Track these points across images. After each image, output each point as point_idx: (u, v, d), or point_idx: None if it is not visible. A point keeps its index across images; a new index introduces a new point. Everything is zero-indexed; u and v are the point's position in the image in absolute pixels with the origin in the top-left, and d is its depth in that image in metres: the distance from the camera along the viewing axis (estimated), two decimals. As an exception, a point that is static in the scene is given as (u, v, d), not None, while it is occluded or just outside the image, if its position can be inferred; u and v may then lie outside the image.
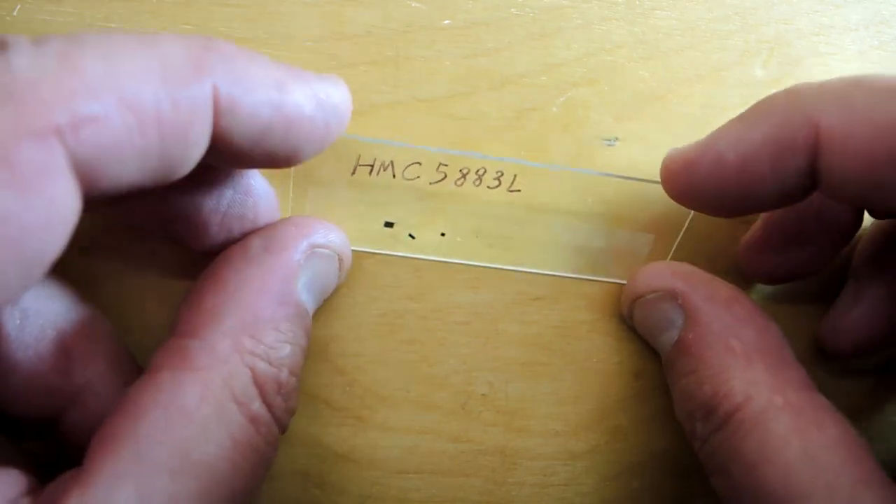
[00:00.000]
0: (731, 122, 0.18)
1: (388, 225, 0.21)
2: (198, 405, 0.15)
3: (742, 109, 0.22)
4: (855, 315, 0.21)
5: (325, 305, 0.21)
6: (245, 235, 0.18)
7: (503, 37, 0.21)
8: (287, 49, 0.20)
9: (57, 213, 0.12)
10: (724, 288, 0.20)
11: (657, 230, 0.22)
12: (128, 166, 0.13)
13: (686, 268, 0.21)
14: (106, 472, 0.14)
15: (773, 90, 0.22)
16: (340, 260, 0.19)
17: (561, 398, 0.22)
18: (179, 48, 0.13)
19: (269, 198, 0.18)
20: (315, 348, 0.21)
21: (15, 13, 0.19)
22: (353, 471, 0.22)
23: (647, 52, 0.22)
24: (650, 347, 0.22)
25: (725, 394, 0.18)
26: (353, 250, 0.21)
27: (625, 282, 0.22)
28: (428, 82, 0.21)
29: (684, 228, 0.22)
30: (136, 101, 0.12)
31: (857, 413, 0.24)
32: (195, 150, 0.14)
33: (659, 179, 0.20)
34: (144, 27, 0.20)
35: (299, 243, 0.18)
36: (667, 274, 0.20)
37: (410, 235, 0.21)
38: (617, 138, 0.22)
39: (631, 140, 0.22)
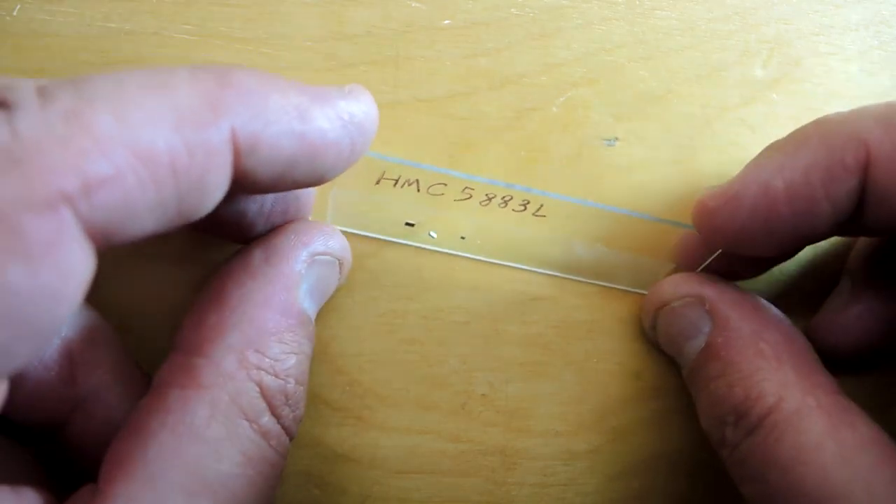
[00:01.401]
0: (767, 154, 0.18)
1: (409, 225, 0.21)
2: (207, 424, 0.15)
3: (742, 109, 0.22)
4: (853, 313, 0.21)
5: (325, 305, 0.21)
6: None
7: (503, 37, 0.21)
8: (287, 49, 0.20)
9: (69, 280, 0.12)
10: (748, 294, 0.20)
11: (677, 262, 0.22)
12: (144, 220, 0.12)
13: (710, 276, 0.21)
14: (120, 496, 0.14)
15: (773, 90, 0.23)
16: (341, 264, 0.19)
17: (561, 398, 0.22)
18: (194, 88, 0.13)
19: (309, 189, 0.18)
20: (315, 348, 0.21)
21: (15, 13, 0.19)
22: (353, 471, 0.22)
23: (647, 52, 0.22)
24: (650, 348, 0.22)
25: (757, 396, 0.18)
26: (374, 238, 0.21)
27: (639, 290, 0.22)
28: (428, 82, 0.21)
29: (707, 262, 0.21)
30: (150, 154, 0.12)
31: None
32: (215, 193, 0.13)
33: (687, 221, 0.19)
34: (144, 27, 0.20)
35: (300, 253, 0.17)
36: (693, 281, 0.20)
37: (431, 234, 0.21)
38: (617, 138, 0.22)
39: (631, 140, 0.22)
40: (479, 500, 0.22)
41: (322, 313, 0.21)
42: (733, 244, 0.19)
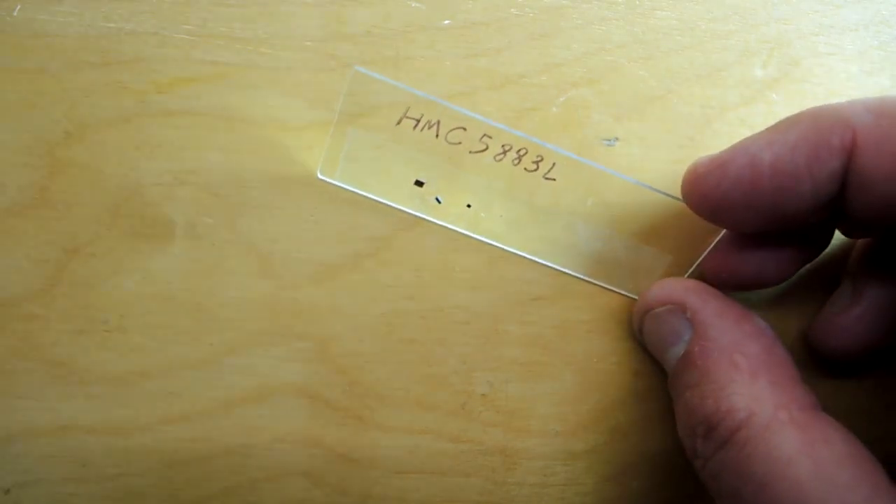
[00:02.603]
0: (760, 132, 0.18)
1: (418, 184, 0.21)
2: None
3: (742, 109, 0.22)
4: (853, 315, 0.21)
5: (325, 305, 0.21)
6: None
7: (503, 37, 0.21)
8: (287, 49, 0.20)
9: None
10: (733, 305, 0.20)
11: (677, 253, 0.22)
12: None
13: (698, 284, 0.21)
14: None
15: (773, 90, 0.23)
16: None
17: (560, 398, 0.22)
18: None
19: None
20: (315, 348, 0.21)
21: (15, 13, 0.19)
22: (353, 471, 0.22)
23: (647, 52, 0.22)
24: (650, 347, 0.22)
25: (728, 409, 0.18)
26: (377, 201, 0.21)
27: (634, 295, 0.22)
28: (428, 82, 0.21)
29: (702, 257, 0.21)
30: None
31: (857, 413, 0.24)
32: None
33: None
34: (144, 27, 0.20)
35: None
36: (678, 288, 0.20)
37: (437, 199, 0.21)
38: (617, 138, 0.22)
39: (631, 140, 0.22)
40: (479, 500, 0.22)
41: (322, 313, 0.21)
42: (716, 213, 0.19)
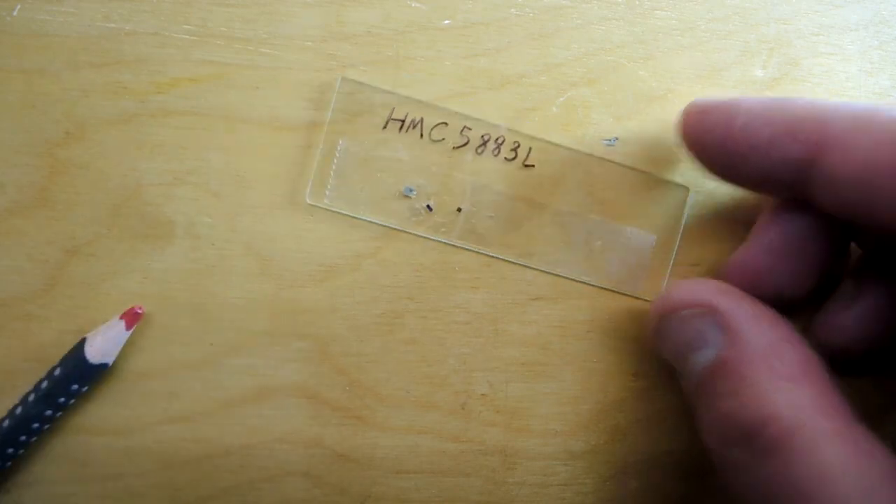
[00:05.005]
0: (766, 96, 0.19)
1: (408, 194, 0.21)
2: None
3: (742, 109, 0.22)
4: (854, 314, 0.21)
5: (325, 305, 0.21)
6: None
7: (503, 37, 0.21)
8: (287, 49, 0.20)
9: None
10: (765, 308, 0.19)
11: (658, 231, 0.22)
12: None
13: (727, 286, 0.20)
14: None
15: (773, 90, 0.23)
16: None
17: (561, 398, 0.22)
18: None
19: None
20: (315, 348, 0.21)
21: (15, 13, 0.19)
22: (353, 471, 0.22)
23: (647, 52, 0.22)
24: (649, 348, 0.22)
25: (770, 416, 0.17)
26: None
27: (634, 295, 0.22)
28: (428, 82, 0.21)
29: (681, 228, 0.22)
30: None
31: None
32: None
33: (660, 175, 0.20)
34: (144, 27, 0.20)
35: None
36: (705, 289, 0.19)
37: (428, 206, 0.21)
38: (617, 138, 0.22)
39: (631, 140, 0.22)
40: (479, 500, 0.22)
41: (322, 313, 0.21)
42: (696, 153, 0.20)
